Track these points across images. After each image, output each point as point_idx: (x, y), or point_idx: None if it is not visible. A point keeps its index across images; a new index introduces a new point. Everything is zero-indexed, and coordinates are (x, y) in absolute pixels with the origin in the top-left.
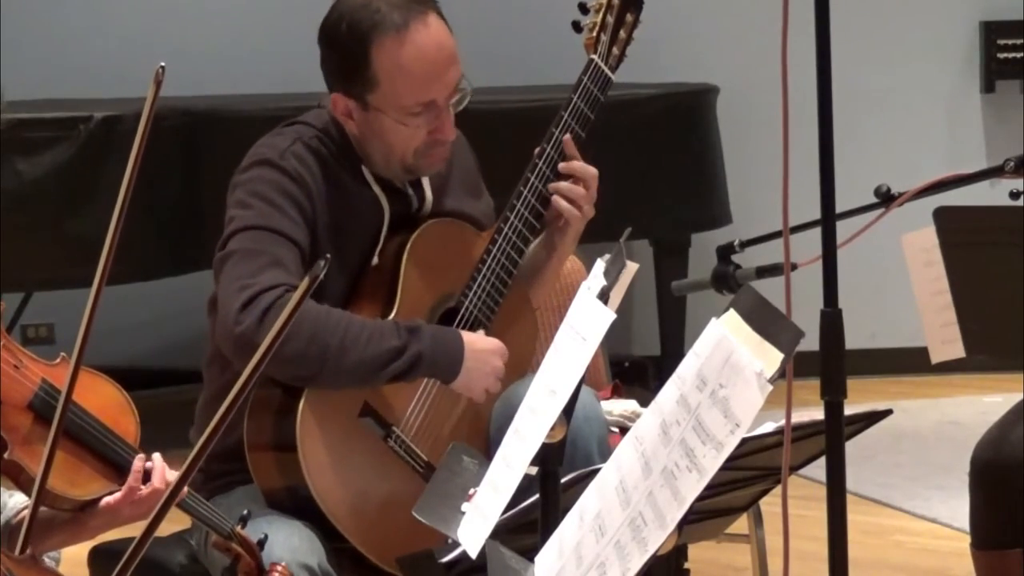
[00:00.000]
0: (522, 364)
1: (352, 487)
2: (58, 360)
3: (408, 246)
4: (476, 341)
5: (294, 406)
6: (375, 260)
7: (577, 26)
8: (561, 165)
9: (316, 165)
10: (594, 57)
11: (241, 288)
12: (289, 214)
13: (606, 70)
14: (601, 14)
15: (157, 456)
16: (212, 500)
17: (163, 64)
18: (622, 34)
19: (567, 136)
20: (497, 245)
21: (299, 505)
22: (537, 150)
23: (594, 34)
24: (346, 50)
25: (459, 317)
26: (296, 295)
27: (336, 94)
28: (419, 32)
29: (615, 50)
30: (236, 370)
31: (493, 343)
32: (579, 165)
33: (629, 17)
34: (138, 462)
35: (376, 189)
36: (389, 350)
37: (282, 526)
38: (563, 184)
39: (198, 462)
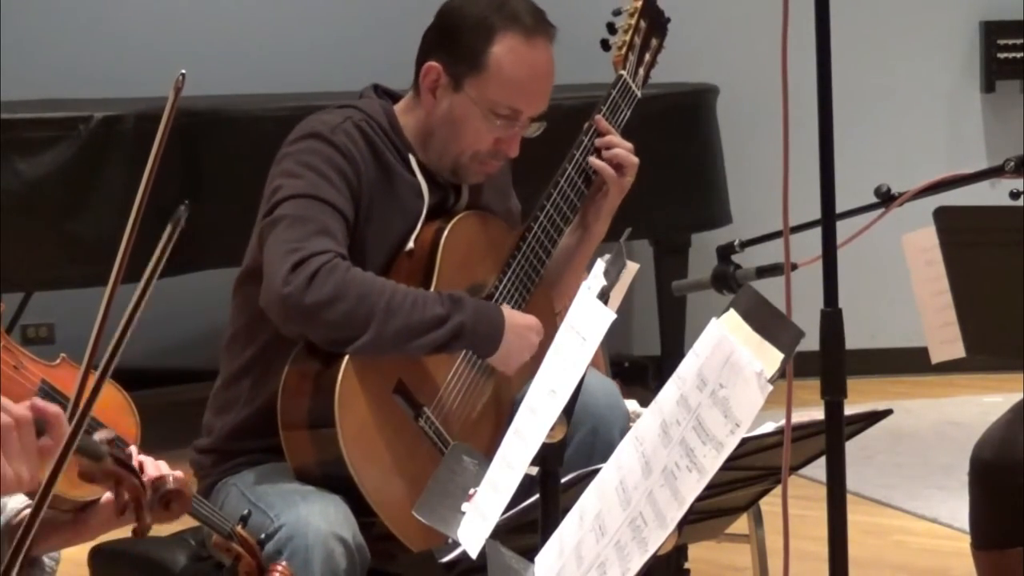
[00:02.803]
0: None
1: (385, 462)
2: (58, 361)
3: (445, 233)
4: (515, 316)
5: (333, 377)
6: (410, 245)
7: (605, 45)
8: (599, 140)
9: (364, 145)
10: (623, 73)
11: (291, 251)
12: (337, 186)
13: (634, 87)
14: (629, 34)
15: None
16: (221, 483)
17: (184, 72)
18: (648, 57)
19: (599, 116)
20: (527, 242)
21: (331, 482)
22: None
23: (623, 52)
24: (470, 27)
25: None
26: (163, 240)
27: (433, 64)
28: (542, 44)
29: (641, 71)
30: (259, 347)
31: (531, 319)
32: (618, 138)
33: (655, 42)
34: (132, 450)
35: (420, 177)
36: (434, 317)
37: (318, 498)
38: (616, 151)
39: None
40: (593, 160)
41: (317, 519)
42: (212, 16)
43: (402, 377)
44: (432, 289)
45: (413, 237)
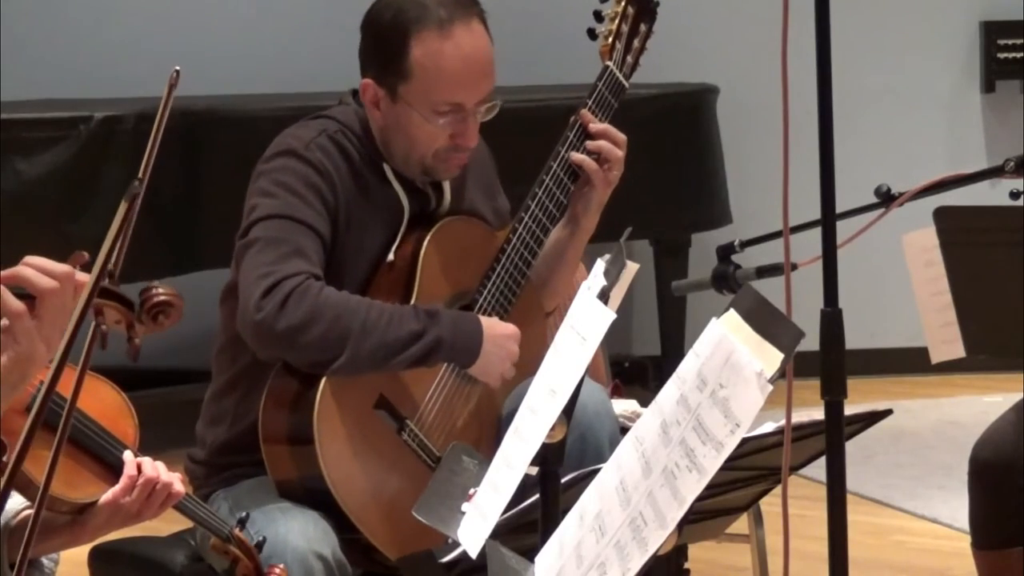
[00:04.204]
0: (532, 366)
1: (366, 478)
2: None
3: (425, 243)
4: (494, 326)
5: (312, 395)
6: (391, 257)
7: (592, 33)
8: (593, 128)
9: (340, 158)
10: (610, 64)
11: (263, 275)
12: (312, 204)
13: (621, 77)
14: (616, 22)
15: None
16: (216, 494)
17: (178, 68)
18: (636, 44)
19: (584, 111)
20: (512, 244)
21: (312, 496)
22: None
23: (609, 41)
24: (386, 37)
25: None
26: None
27: (367, 80)
28: (461, 32)
29: (629, 59)
30: (248, 360)
31: (509, 328)
32: (613, 129)
33: (643, 27)
34: (129, 454)
35: (397, 187)
36: (410, 333)
37: (296, 515)
38: (600, 142)
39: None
40: (574, 155)
41: (295, 537)
42: (212, 16)
43: (383, 392)
44: (413, 300)
45: (394, 248)
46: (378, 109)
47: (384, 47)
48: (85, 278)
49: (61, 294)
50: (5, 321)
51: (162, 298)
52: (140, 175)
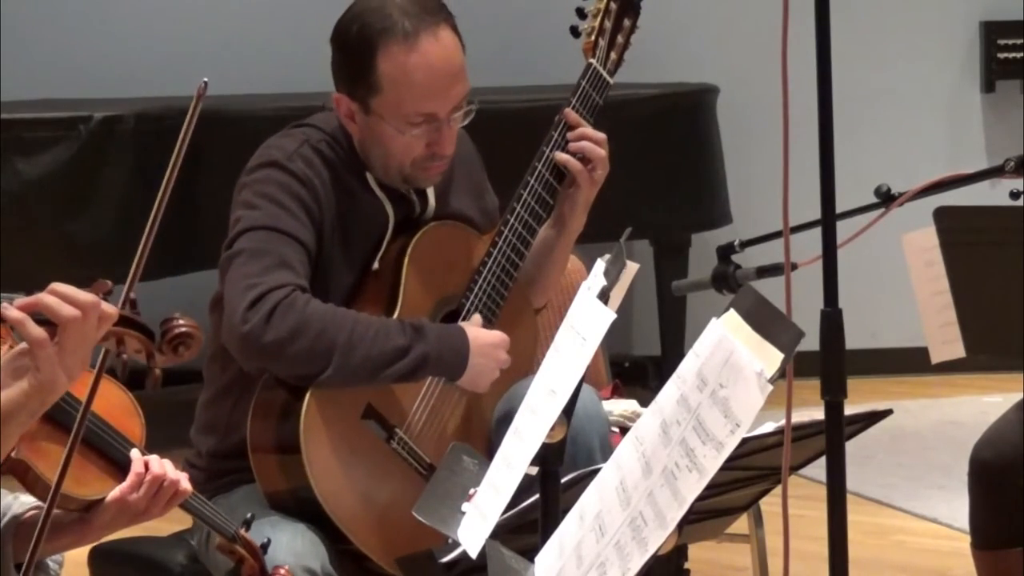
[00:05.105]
0: (523, 367)
1: (356, 489)
2: None
3: (409, 250)
4: (480, 336)
5: (298, 408)
6: (375, 265)
7: (575, 31)
8: (571, 133)
9: (323, 168)
10: (593, 62)
11: (248, 287)
12: (297, 215)
13: (605, 75)
14: (599, 19)
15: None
16: (213, 500)
17: (206, 80)
18: (620, 39)
19: (568, 109)
20: (498, 248)
21: (302, 507)
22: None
23: (592, 38)
24: (353, 52)
25: (460, 320)
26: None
27: (340, 94)
28: (427, 42)
29: (613, 55)
30: (238, 369)
31: (497, 335)
32: (590, 130)
33: (627, 22)
34: (136, 452)
35: (380, 195)
36: (395, 348)
37: (285, 529)
38: (583, 143)
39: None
40: (558, 155)
41: (283, 553)
42: (212, 16)
43: (371, 401)
44: (399, 308)
45: (378, 256)
46: (353, 122)
47: (352, 62)
48: (109, 308)
49: (84, 323)
50: (25, 345)
51: (183, 329)
52: (165, 182)
